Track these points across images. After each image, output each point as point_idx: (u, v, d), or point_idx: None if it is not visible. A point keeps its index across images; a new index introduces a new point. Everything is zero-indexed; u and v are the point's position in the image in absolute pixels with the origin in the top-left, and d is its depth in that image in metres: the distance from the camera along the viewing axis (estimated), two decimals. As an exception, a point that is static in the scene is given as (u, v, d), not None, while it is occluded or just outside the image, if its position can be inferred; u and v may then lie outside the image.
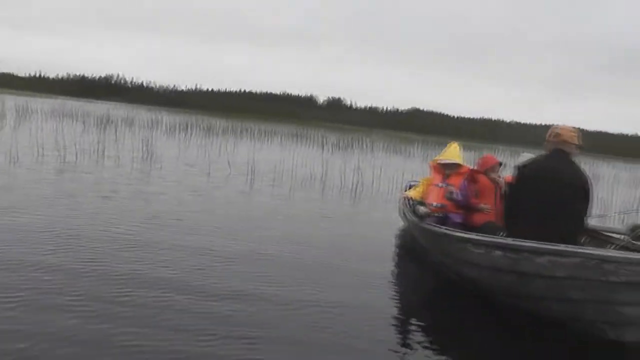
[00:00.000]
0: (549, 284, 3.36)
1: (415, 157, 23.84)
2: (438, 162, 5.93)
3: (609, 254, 3.03)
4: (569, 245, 3.38)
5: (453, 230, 4.58)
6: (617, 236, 5.14)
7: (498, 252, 3.74)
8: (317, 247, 5.56)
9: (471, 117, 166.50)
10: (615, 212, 8.22)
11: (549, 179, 4.06)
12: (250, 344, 3.04)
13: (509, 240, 3.70)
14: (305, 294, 4.04)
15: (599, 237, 5.17)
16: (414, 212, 5.16)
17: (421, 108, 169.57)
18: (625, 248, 4.67)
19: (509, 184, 4.34)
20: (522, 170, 4.24)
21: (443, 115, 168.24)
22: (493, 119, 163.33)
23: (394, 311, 3.95)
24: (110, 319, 3.10)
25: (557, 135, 4.18)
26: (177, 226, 5.69)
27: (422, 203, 5.23)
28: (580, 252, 3.16)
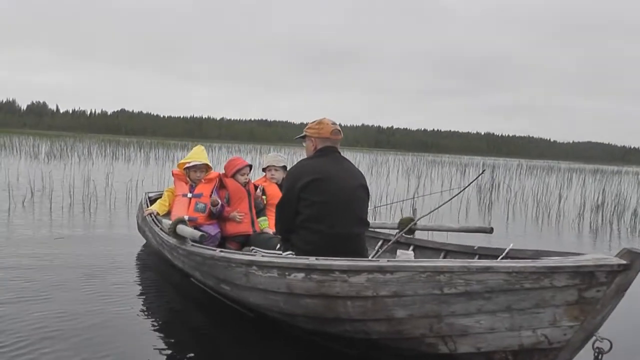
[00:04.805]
0: (369, 304, 2.88)
1: (137, 161, 22.17)
2: (186, 165, 5.20)
3: (443, 264, 2.65)
4: (392, 260, 2.94)
5: (232, 253, 3.82)
6: (387, 231, 5.13)
7: (298, 275, 3.12)
8: (55, 277, 4.56)
9: (179, 115, 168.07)
10: (371, 207, 8.45)
11: (332, 181, 3.61)
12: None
13: (313, 260, 3.09)
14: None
15: (373, 236, 5.09)
16: (175, 232, 4.28)
17: (128, 109, 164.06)
18: (398, 243, 4.71)
19: (284, 192, 3.78)
20: (296, 175, 3.70)
21: (151, 115, 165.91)
22: (204, 117, 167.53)
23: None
24: None
25: (336, 132, 3.78)
26: None
27: (182, 221, 4.37)
28: (406, 266, 2.72)
